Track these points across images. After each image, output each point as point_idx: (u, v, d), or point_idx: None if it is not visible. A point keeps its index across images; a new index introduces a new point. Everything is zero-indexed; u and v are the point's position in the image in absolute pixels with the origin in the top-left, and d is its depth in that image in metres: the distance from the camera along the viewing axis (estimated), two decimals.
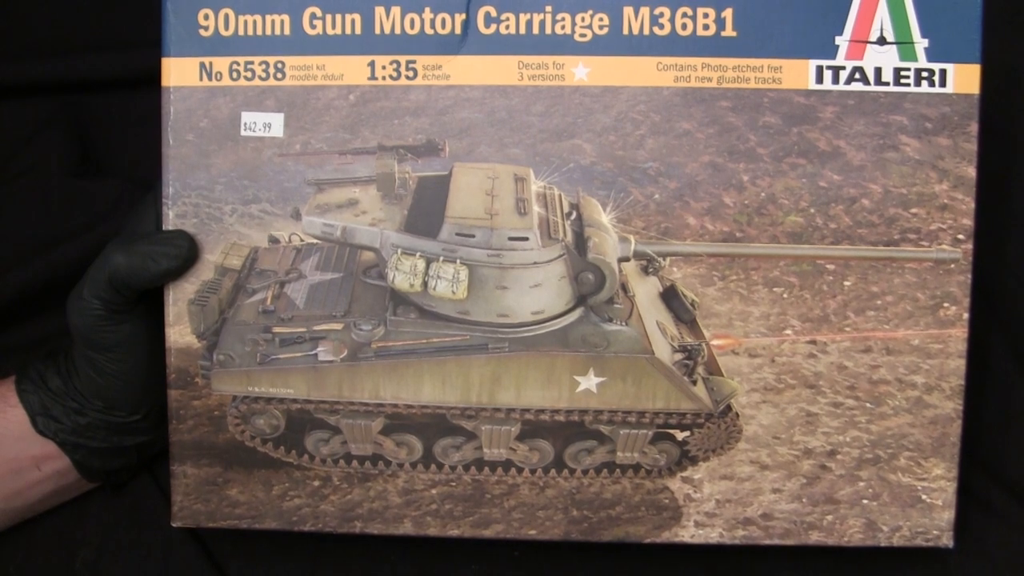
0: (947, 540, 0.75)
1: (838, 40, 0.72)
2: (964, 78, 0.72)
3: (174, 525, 0.76)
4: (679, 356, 0.75)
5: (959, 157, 0.72)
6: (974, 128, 0.72)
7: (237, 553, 0.83)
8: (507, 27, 0.72)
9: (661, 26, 0.72)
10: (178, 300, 0.74)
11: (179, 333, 0.74)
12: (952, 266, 0.73)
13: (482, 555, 0.82)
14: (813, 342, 0.74)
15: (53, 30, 0.93)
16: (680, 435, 0.76)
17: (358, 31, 0.73)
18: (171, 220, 0.74)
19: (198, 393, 0.75)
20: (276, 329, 0.75)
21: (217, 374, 0.75)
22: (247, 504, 0.76)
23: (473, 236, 0.73)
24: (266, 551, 0.83)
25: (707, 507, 0.75)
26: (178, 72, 0.73)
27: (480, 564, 0.82)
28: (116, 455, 0.78)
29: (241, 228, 0.74)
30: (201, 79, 0.73)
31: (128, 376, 0.75)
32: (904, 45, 0.72)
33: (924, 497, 0.75)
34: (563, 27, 0.72)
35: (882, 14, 0.72)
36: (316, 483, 0.76)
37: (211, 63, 0.73)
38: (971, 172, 0.73)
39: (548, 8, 0.72)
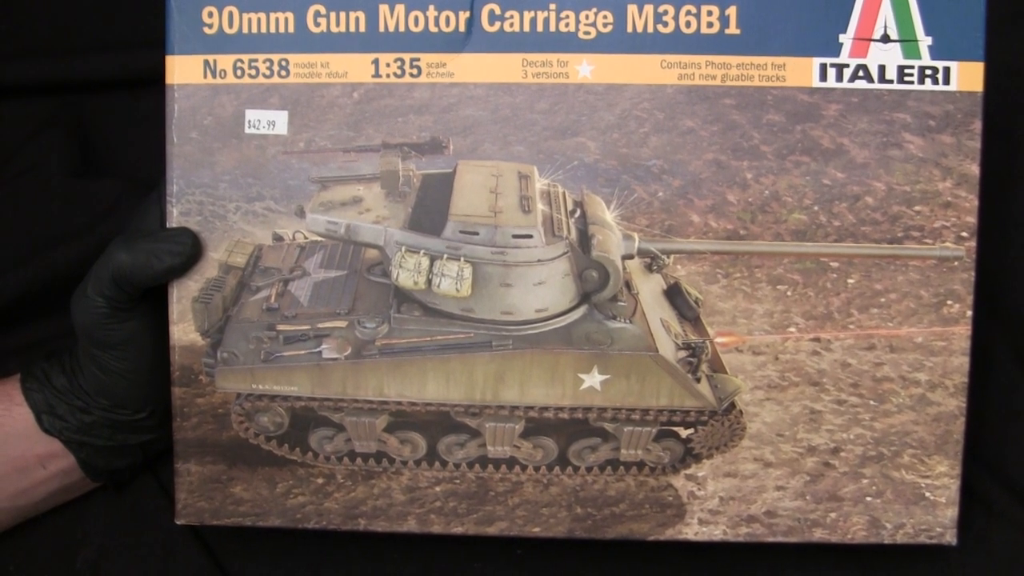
0: (951, 537, 0.75)
1: (842, 38, 0.72)
2: (968, 76, 0.72)
3: (178, 522, 0.76)
4: (683, 354, 0.75)
5: (963, 155, 0.72)
6: (978, 126, 0.72)
7: (239, 552, 0.83)
8: (511, 25, 0.72)
9: (665, 24, 0.72)
10: (182, 298, 0.74)
11: (183, 331, 0.74)
12: (955, 264, 0.73)
13: (485, 554, 0.82)
14: (817, 339, 0.74)
15: (53, 30, 0.93)
16: (684, 432, 0.76)
17: (362, 29, 0.73)
18: (175, 218, 0.74)
19: (202, 391, 0.75)
20: (280, 327, 0.75)
21: (221, 372, 0.75)
22: (251, 502, 0.76)
23: (477, 234, 0.73)
24: (268, 550, 0.82)
25: (711, 504, 0.75)
26: (182, 70, 0.73)
27: (483, 563, 0.82)
28: (121, 454, 0.79)
29: (245, 226, 0.74)
30: (205, 77, 0.73)
31: (133, 374, 0.75)
32: (908, 43, 0.72)
33: (927, 494, 0.74)
34: (567, 25, 0.72)
35: (886, 12, 0.71)
36: (320, 481, 0.76)
37: (215, 61, 0.73)
38: (975, 170, 0.72)
39: (552, 6, 0.72)
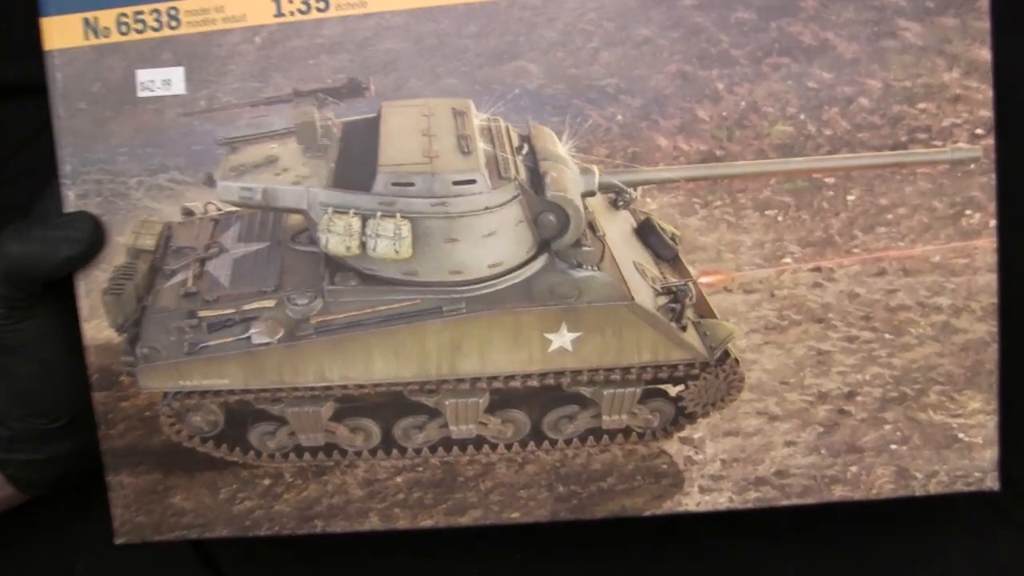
0: (991, 482, 0.71)
1: None
2: None
3: (117, 542, 0.74)
4: (663, 300, 0.73)
5: (969, 38, 0.68)
6: (984, 3, 0.68)
7: (239, 556, 0.82)
8: None
9: None
10: (91, 291, 0.71)
11: (96, 328, 0.72)
12: (972, 166, 0.70)
13: (484, 554, 0.81)
14: (817, 269, 0.71)
15: None
16: (673, 390, 0.75)
17: None
18: (72, 201, 0.71)
19: (125, 393, 0.73)
20: (202, 313, 0.73)
21: (143, 370, 0.72)
22: (194, 512, 0.74)
23: (412, 185, 0.70)
24: (268, 553, 0.82)
25: (712, 469, 0.73)
26: (60, 32, 0.70)
27: (480, 564, 0.81)
28: (50, 466, 0.75)
29: (150, 202, 0.71)
30: (87, 38, 0.70)
31: (43, 378, 0.72)
32: None
33: (961, 436, 0.72)
34: None
35: None
36: (267, 482, 0.75)
37: (96, 18, 0.70)
38: (985, 55, 0.68)
39: None
